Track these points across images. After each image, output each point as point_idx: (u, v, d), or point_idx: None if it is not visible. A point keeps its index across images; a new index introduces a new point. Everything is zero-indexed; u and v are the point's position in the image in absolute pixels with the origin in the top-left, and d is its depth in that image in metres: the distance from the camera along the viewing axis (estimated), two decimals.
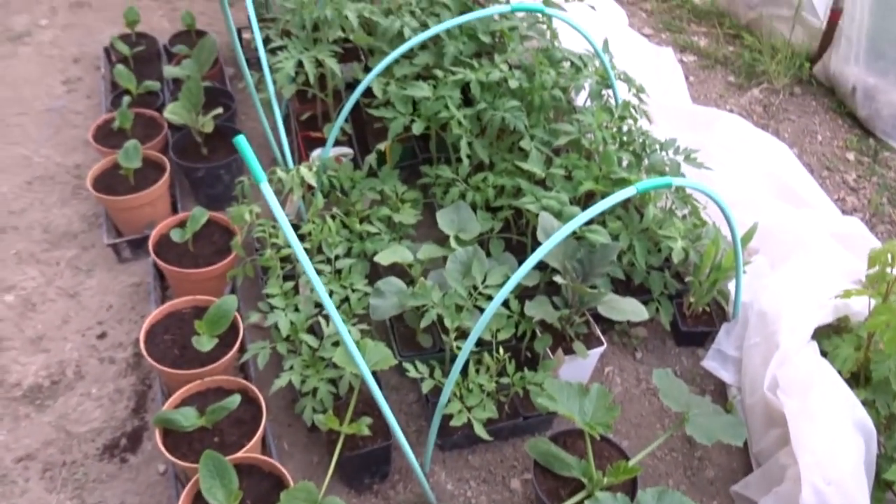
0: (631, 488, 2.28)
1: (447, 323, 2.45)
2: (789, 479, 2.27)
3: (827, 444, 2.23)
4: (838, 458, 2.21)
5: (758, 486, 2.44)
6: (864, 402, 2.40)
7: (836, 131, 4.18)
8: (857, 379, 2.58)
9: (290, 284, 2.61)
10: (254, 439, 2.24)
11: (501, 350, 2.48)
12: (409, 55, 3.07)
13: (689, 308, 2.97)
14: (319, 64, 3.03)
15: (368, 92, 2.93)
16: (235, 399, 2.25)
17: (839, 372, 2.48)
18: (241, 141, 1.83)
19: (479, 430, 2.34)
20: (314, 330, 2.57)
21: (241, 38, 4.19)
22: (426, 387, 2.45)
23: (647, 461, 2.60)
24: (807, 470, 2.17)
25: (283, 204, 3.09)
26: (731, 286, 2.89)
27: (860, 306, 2.68)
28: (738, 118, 3.88)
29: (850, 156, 4.00)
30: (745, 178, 3.43)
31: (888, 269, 2.45)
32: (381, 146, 3.09)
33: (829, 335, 2.68)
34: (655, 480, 2.57)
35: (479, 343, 2.50)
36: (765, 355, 2.59)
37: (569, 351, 2.63)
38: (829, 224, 3.16)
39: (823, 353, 2.59)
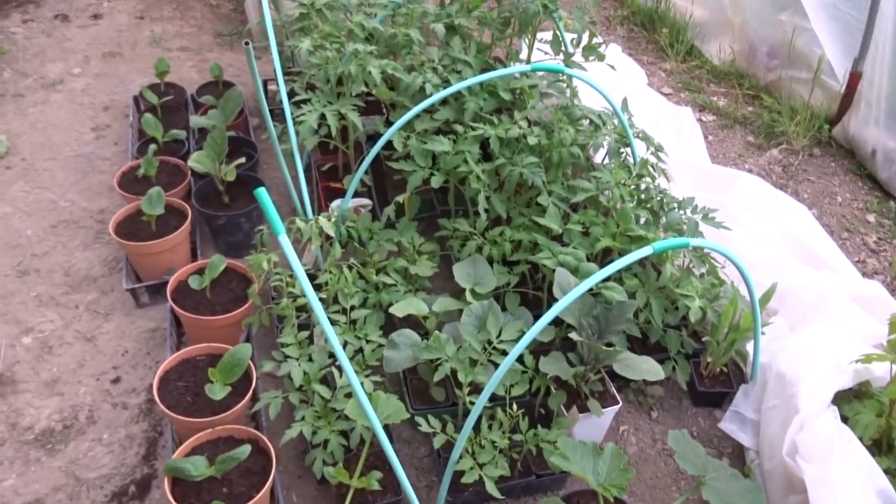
0: None
1: (461, 377, 2.44)
2: None
3: None
4: None
5: None
6: (887, 471, 2.34)
7: (856, 193, 4.16)
8: (880, 446, 2.51)
9: (304, 334, 2.61)
10: (262, 491, 2.21)
11: (515, 406, 2.46)
12: (430, 110, 3.13)
13: (706, 368, 2.93)
14: (342, 117, 3.09)
15: (389, 145, 2.98)
16: (245, 449, 2.23)
17: (860, 439, 2.42)
18: (261, 193, 1.86)
19: (491, 488, 2.30)
20: (327, 380, 2.57)
21: (266, 90, 4.30)
22: (438, 442, 2.42)
23: None
24: None
25: (301, 253, 3.13)
26: (750, 347, 2.85)
27: (882, 371, 2.63)
28: (757, 178, 3.89)
29: (871, 218, 3.98)
30: (764, 239, 3.42)
31: None
32: (400, 198, 3.12)
33: (849, 400, 2.63)
34: None
35: (493, 398, 2.48)
36: (784, 419, 2.54)
37: (583, 408, 2.60)
38: (850, 287, 3.13)
39: (844, 419, 2.54)
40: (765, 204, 3.65)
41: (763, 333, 2.79)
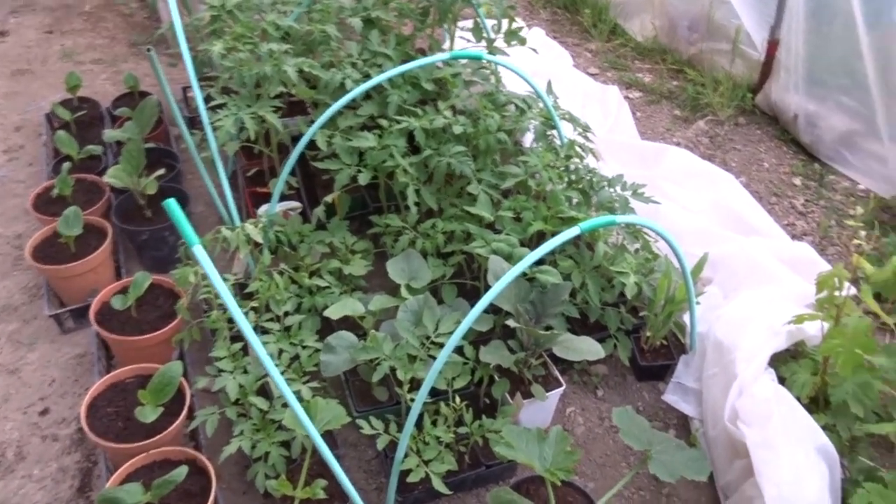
0: None
1: (400, 375, 2.39)
2: None
3: (790, 474, 2.20)
4: (803, 487, 2.19)
5: None
6: (825, 427, 2.39)
7: (781, 158, 4.25)
8: (817, 403, 2.57)
9: (238, 346, 2.53)
10: None
11: (458, 399, 2.43)
12: (353, 106, 3.06)
13: (646, 342, 2.95)
14: (262, 120, 3.00)
15: (315, 145, 2.91)
16: (182, 471, 2.15)
17: (798, 398, 2.46)
18: (171, 204, 1.78)
19: (438, 485, 2.27)
20: (266, 391, 2.49)
21: (186, 98, 4.18)
22: (381, 443, 2.37)
23: (614, 503, 2.54)
24: (772, 502, 2.13)
25: (230, 262, 3.04)
26: (687, 318, 2.88)
27: (814, 330, 2.68)
28: (684, 151, 3.94)
29: (797, 181, 4.06)
30: (694, 210, 3.46)
31: (836, 293, 2.46)
32: (329, 198, 3.06)
33: (786, 361, 2.68)
34: None
35: (437, 393, 2.46)
36: (723, 386, 2.57)
37: (528, 394, 2.58)
38: (780, 250, 3.19)
39: (781, 380, 2.58)
40: (693, 175, 3.69)
41: (698, 303, 2.82)
